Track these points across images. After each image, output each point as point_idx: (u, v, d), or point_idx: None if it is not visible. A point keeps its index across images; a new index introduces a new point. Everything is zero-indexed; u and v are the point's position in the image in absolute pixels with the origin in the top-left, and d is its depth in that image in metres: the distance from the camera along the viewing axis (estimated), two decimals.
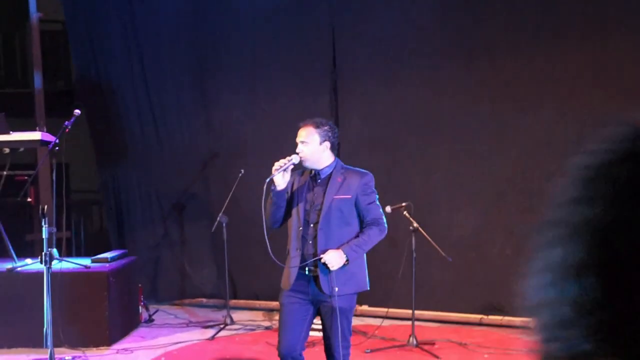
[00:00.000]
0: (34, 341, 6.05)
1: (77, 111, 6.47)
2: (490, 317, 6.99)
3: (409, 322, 6.32)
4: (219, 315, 7.60)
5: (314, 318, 4.17)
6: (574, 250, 0.78)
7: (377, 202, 4.16)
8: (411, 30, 7.32)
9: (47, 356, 4.94)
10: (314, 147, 4.06)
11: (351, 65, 7.62)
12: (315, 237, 4.03)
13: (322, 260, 3.95)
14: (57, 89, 10.10)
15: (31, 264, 6.62)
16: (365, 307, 7.39)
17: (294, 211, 4.10)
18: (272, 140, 7.45)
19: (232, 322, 7.27)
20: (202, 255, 8.42)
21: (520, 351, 6.10)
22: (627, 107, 6.47)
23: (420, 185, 7.25)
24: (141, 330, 7.23)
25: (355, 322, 6.20)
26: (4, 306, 6.46)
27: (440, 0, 7.25)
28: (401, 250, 6.35)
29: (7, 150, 6.91)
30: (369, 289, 4.23)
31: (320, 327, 4.19)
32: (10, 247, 6.84)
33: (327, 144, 4.09)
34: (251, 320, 7.51)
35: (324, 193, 4.06)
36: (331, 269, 3.94)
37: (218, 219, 7.11)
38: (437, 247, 6.08)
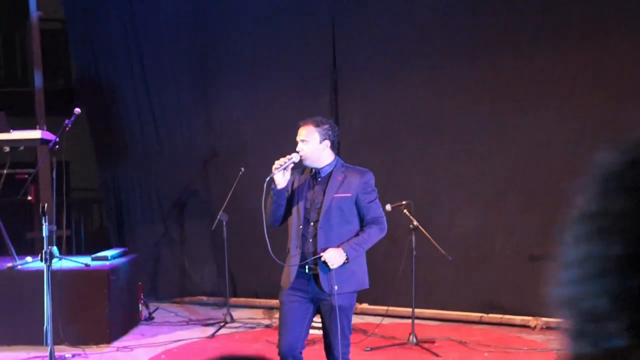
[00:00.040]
0: (34, 339, 6.05)
1: (77, 110, 6.48)
2: (490, 315, 7.00)
3: (409, 321, 6.32)
4: (219, 314, 7.61)
5: (314, 316, 4.17)
6: (616, 243, 0.76)
7: (377, 201, 4.17)
8: (411, 30, 7.32)
9: (48, 354, 4.94)
10: (314, 146, 4.07)
11: (351, 64, 7.62)
12: (315, 236, 4.03)
13: (322, 259, 3.95)
14: (57, 88, 10.10)
15: (31, 262, 6.62)
16: (365, 305, 7.40)
17: (294, 210, 4.10)
18: (272, 139, 7.46)
19: (232, 320, 7.28)
20: (202, 254, 8.42)
21: (520, 349, 6.11)
22: (627, 107, 6.53)
23: (420, 184, 7.25)
24: (141, 328, 7.23)
25: (355, 320, 6.20)
26: (4, 304, 6.46)
27: (440, 0, 7.25)
28: (401, 248, 6.36)
29: (7, 148, 6.91)
30: (368, 287, 4.23)
31: (320, 325, 4.20)
32: (11, 245, 6.85)
33: (327, 143, 4.10)
34: (251, 319, 7.52)
35: (324, 192, 4.06)
36: (331, 267, 3.95)
37: (218, 217, 7.12)
38: (437, 245, 6.09)
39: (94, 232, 10.36)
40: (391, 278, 6.63)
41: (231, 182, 7.22)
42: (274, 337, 5.44)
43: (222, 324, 7.17)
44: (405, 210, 6.06)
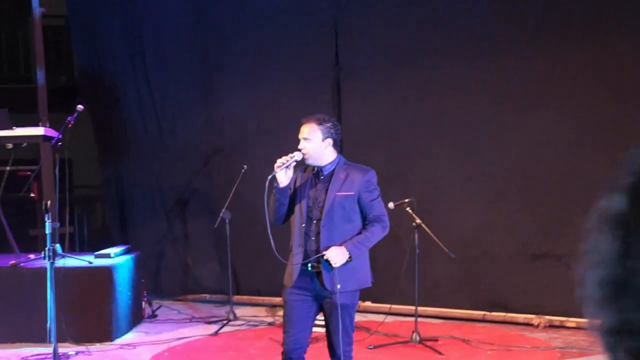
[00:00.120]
0: (38, 336, 6.06)
1: (79, 107, 6.48)
2: (493, 313, 6.99)
3: (412, 319, 6.31)
4: (222, 311, 7.61)
5: (317, 314, 4.17)
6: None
7: (380, 199, 4.16)
8: (412, 30, 7.32)
9: (51, 351, 4.94)
10: (316, 144, 4.05)
11: (353, 63, 7.62)
12: (318, 234, 4.02)
13: (325, 257, 3.94)
14: (59, 85, 10.10)
15: (34, 259, 6.62)
16: (368, 304, 7.39)
17: (296, 208, 4.09)
18: (275, 137, 7.45)
19: (235, 318, 7.27)
20: (205, 251, 8.42)
21: (523, 348, 6.10)
22: (627, 107, 6.52)
23: (423, 182, 7.25)
24: (144, 326, 7.24)
25: (358, 318, 6.20)
26: (8, 302, 6.47)
27: (441, 0, 7.25)
28: (404, 246, 6.35)
29: (10, 145, 6.92)
30: (371, 285, 4.22)
31: (323, 323, 4.19)
32: (14, 242, 6.85)
33: (330, 141, 4.08)
34: (254, 316, 7.52)
35: (327, 190, 4.05)
36: (334, 265, 3.94)
37: (221, 214, 7.11)
38: (440, 243, 6.08)
39: (96, 229, 10.38)
40: (394, 276, 6.62)
41: (234, 180, 7.21)
42: (277, 335, 5.44)
43: (225, 321, 7.17)
44: (408, 208, 6.05)
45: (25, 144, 7.11)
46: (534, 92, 6.81)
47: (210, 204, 8.20)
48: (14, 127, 6.86)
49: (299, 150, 4.05)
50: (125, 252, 7.29)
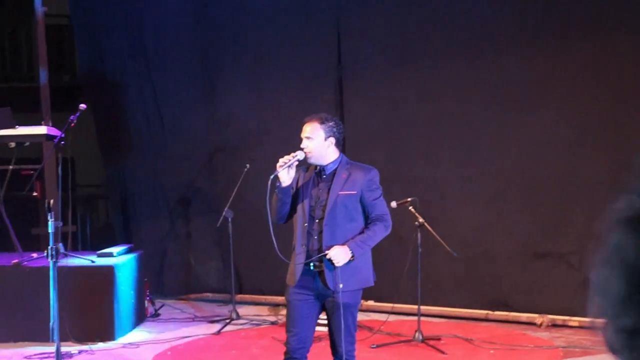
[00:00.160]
0: (41, 335, 6.07)
1: (82, 105, 6.48)
2: (496, 312, 6.99)
3: (415, 318, 6.31)
4: (224, 310, 7.61)
5: (320, 314, 4.16)
6: None
7: (382, 198, 4.15)
8: (413, 30, 7.33)
9: (54, 350, 4.94)
10: (318, 143, 4.05)
11: (356, 62, 7.62)
12: (320, 233, 4.02)
13: (328, 256, 3.93)
14: (62, 84, 10.11)
15: (37, 258, 6.63)
16: (371, 303, 7.39)
17: (299, 207, 4.08)
18: (277, 136, 7.46)
19: (238, 317, 7.27)
20: (208, 250, 8.43)
21: (526, 347, 6.09)
22: (627, 107, 6.52)
23: (424, 182, 7.24)
24: (147, 325, 7.24)
25: (361, 317, 6.20)
26: (11, 300, 6.48)
27: (441, 0, 7.24)
28: (407, 245, 6.35)
29: (13, 144, 6.93)
30: (374, 284, 4.22)
31: (326, 322, 4.19)
32: (17, 241, 6.86)
33: (332, 140, 4.07)
34: (257, 315, 7.52)
35: (329, 189, 4.04)
36: (337, 264, 3.93)
37: (224, 213, 7.11)
38: (442, 242, 6.07)
39: (99, 229, 10.38)
40: (397, 275, 6.62)
41: (236, 179, 7.21)
42: (280, 334, 5.44)
43: (227, 320, 7.17)
44: (410, 207, 6.04)
45: (28, 143, 7.12)
46: (534, 92, 6.81)
47: (213, 203, 8.20)
48: (16, 126, 6.86)
49: (301, 149, 4.05)
50: (127, 251, 7.30)
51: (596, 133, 6.54)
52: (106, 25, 8.60)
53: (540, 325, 6.69)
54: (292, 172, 4.02)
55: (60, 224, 6.44)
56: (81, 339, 6.29)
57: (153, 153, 8.57)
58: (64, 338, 5.57)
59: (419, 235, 6.07)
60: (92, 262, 6.64)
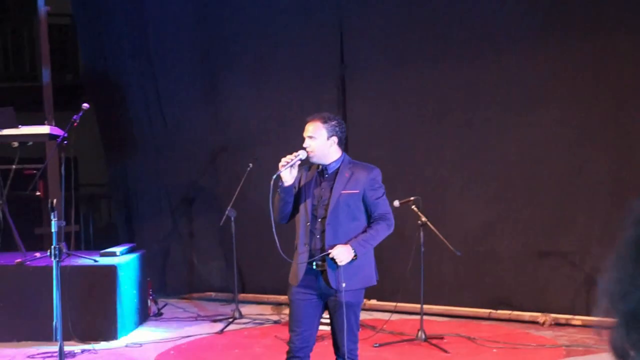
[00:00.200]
0: (44, 334, 6.08)
1: (85, 105, 6.49)
2: (499, 311, 6.98)
3: (418, 317, 6.31)
4: (227, 309, 7.62)
5: (322, 313, 4.16)
6: None
7: (385, 197, 4.15)
8: (413, 29, 7.32)
9: (57, 349, 4.95)
10: (321, 142, 4.04)
11: (358, 61, 7.62)
12: (323, 232, 4.01)
13: (330, 256, 3.93)
14: (65, 83, 10.12)
15: (40, 258, 6.64)
16: (373, 302, 7.39)
17: (301, 206, 4.08)
18: (279, 135, 7.46)
19: (241, 316, 7.28)
20: (211, 249, 8.43)
21: (529, 346, 6.09)
22: (627, 107, 6.51)
23: (426, 181, 7.24)
24: (150, 324, 7.25)
25: (364, 316, 6.20)
26: (14, 300, 6.49)
27: (441, 0, 7.24)
28: (410, 244, 6.34)
29: (16, 144, 6.93)
30: (376, 283, 4.22)
31: (328, 321, 4.19)
32: (20, 240, 6.87)
33: (335, 139, 4.07)
34: (260, 314, 7.52)
35: (332, 188, 4.04)
36: (339, 264, 3.93)
37: (226, 212, 7.11)
38: (445, 241, 6.06)
39: (102, 228, 10.40)
40: (399, 274, 6.62)
41: (239, 178, 7.22)
42: (283, 333, 5.44)
43: (230, 319, 7.17)
44: (413, 206, 6.04)
45: (31, 143, 7.12)
46: (535, 92, 6.81)
47: (216, 203, 8.21)
48: (19, 126, 6.87)
49: (304, 148, 4.04)
50: (130, 251, 7.31)
51: (596, 133, 6.54)
52: (109, 24, 8.61)
53: (543, 324, 6.69)
54: (295, 171, 4.02)
55: (63, 223, 6.46)
56: (84, 338, 6.31)
57: (155, 152, 8.58)
58: (66, 337, 5.58)
59: (421, 234, 6.07)
60: (95, 261, 6.65)
